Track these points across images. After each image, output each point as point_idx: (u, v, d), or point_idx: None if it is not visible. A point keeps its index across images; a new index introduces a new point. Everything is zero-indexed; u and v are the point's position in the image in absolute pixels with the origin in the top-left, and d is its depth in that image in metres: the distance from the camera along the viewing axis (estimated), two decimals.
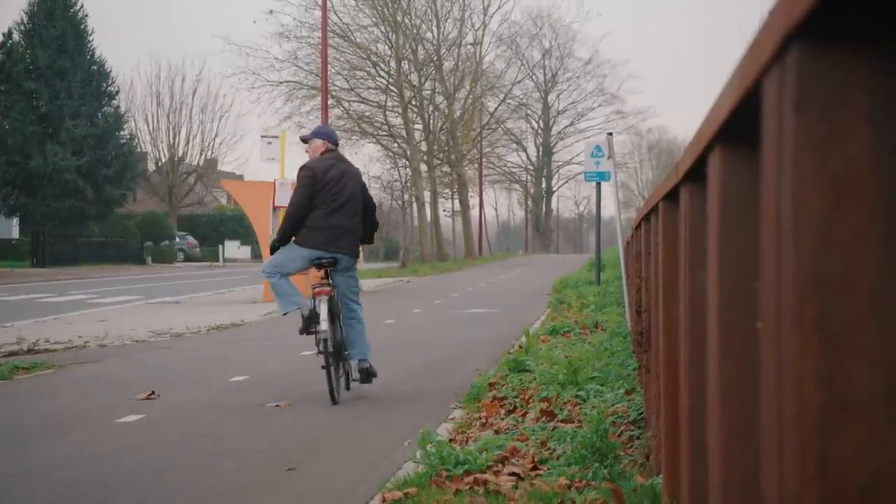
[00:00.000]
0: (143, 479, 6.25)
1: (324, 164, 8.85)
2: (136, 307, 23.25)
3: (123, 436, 7.69)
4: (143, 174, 64.62)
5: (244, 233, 65.99)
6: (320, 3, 40.17)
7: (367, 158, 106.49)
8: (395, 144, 57.63)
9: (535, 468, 5.66)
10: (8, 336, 15.47)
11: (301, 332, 9.03)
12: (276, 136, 23.99)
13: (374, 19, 53.12)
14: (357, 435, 7.64)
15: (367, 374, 9.12)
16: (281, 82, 51.12)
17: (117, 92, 59.76)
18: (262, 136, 24.07)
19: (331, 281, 9.01)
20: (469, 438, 6.89)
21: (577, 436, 6.05)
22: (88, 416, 8.55)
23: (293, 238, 8.95)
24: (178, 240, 67.18)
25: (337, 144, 9.26)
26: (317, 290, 8.83)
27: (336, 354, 8.89)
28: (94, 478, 6.30)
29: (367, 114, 55.41)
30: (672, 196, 3.63)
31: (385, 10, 52.42)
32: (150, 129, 69.09)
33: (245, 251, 67.60)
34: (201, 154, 71.51)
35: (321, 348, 8.73)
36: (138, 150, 63.76)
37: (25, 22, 55.39)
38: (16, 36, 53.45)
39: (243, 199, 28.02)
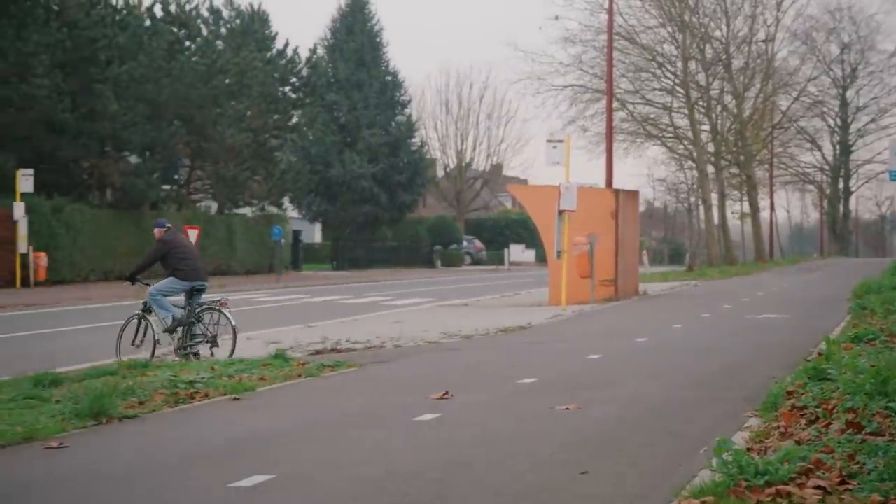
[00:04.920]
0: (439, 477, 6.44)
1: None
2: (427, 309, 24.07)
3: (420, 434, 7.97)
4: (432, 180, 66.89)
5: (529, 236, 66.81)
6: (606, 5, 40.06)
7: (651, 161, 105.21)
8: (681, 146, 56.44)
9: (843, 482, 5.36)
10: (314, 335, 16.46)
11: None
12: (561, 140, 24.13)
13: (660, 20, 52.35)
14: (647, 440, 7.54)
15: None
16: (565, 86, 51.41)
17: (409, 101, 62.32)
18: (547, 141, 24.27)
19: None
20: (768, 448, 6.63)
21: (890, 450, 5.68)
22: (388, 413, 8.93)
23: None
24: (465, 243, 68.98)
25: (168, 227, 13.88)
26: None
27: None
28: (395, 474, 6.56)
29: (651, 116, 54.65)
30: None
31: (672, 9, 51.52)
32: (439, 135, 71.44)
33: (530, 255, 68.44)
34: (487, 159, 73.15)
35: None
36: (428, 156, 66.08)
37: (328, 37, 58.92)
38: (320, 51, 56.93)
39: (528, 203, 28.41)
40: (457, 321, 19.41)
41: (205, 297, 13.52)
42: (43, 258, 31.94)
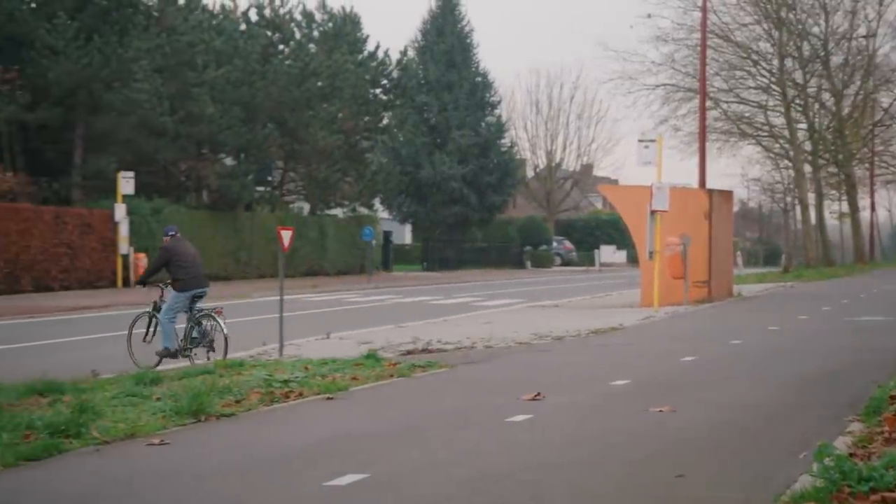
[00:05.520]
0: (533, 478, 6.42)
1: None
2: (517, 310, 24.02)
3: (513, 434, 7.96)
4: (522, 180, 66.69)
5: (619, 237, 66.22)
6: (700, 3, 39.50)
7: (745, 160, 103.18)
8: (777, 145, 55.31)
9: None
10: (405, 336, 16.56)
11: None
12: (653, 140, 23.86)
13: (755, 17, 51.38)
14: (744, 443, 7.41)
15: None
16: (657, 86, 50.81)
17: (499, 102, 62.25)
18: (639, 140, 24.01)
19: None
20: (871, 454, 6.46)
21: None
22: (480, 414, 8.93)
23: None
24: (555, 244, 68.66)
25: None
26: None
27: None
28: (488, 475, 6.56)
29: (746, 114, 53.68)
30: None
31: (768, 6, 50.52)
32: (529, 136, 71.23)
33: (621, 255, 67.81)
34: (577, 159, 72.70)
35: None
36: (518, 157, 65.93)
37: (419, 39, 59.25)
38: (410, 53, 57.25)
39: (620, 203, 28.17)
40: (548, 322, 19.33)
41: (222, 303, 13.82)
42: (143, 259, 32.71)
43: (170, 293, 13.78)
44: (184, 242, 14.19)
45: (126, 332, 14.05)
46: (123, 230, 32.01)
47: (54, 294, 28.40)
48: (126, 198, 32.19)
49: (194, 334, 13.60)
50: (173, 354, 13.52)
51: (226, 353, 13.33)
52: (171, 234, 14.25)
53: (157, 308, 13.94)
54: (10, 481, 6.48)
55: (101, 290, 30.66)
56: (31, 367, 12.35)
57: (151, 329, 13.91)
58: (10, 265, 28.34)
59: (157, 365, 13.18)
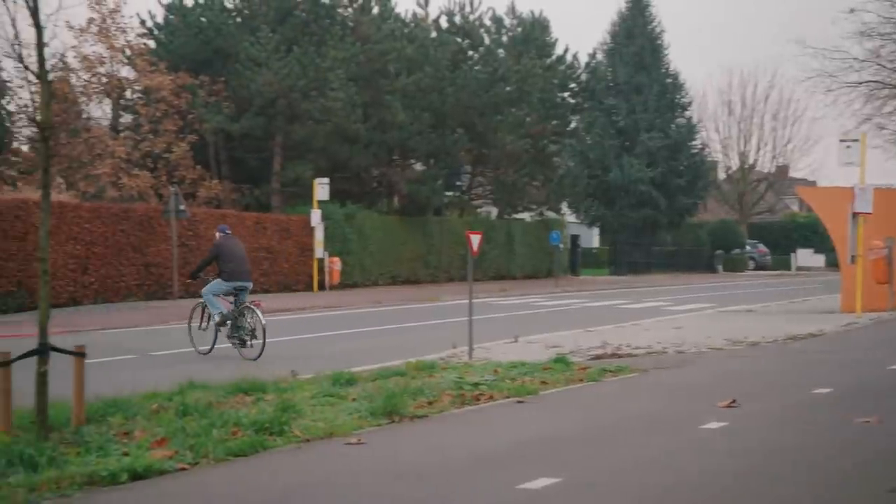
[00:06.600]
0: (730, 487, 6.27)
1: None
2: (709, 315, 23.47)
3: (707, 442, 7.79)
4: (713, 183, 65.10)
5: (817, 240, 63.71)
6: None
7: None
8: None
9: None
10: (593, 340, 16.46)
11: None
12: (856, 140, 22.81)
13: None
14: None
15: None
16: (860, 83, 48.52)
17: (690, 103, 60.99)
18: (840, 140, 23.01)
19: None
20: None
21: None
22: (672, 420, 8.79)
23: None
24: (748, 248, 66.70)
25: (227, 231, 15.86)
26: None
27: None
28: (683, 482, 6.44)
29: None
30: None
31: None
32: (721, 137, 69.45)
33: (818, 259, 65.23)
34: (772, 161, 70.37)
35: None
36: (709, 159, 64.40)
37: (608, 42, 58.84)
38: (599, 55, 56.89)
39: (819, 205, 27.08)
40: (741, 327, 18.81)
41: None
42: (337, 262, 33.74)
43: (214, 281, 15.40)
44: (233, 240, 15.71)
45: (187, 324, 15.67)
46: (319, 235, 33.12)
47: (256, 297, 29.59)
48: (321, 203, 33.28)
49: (238, 324, 14.92)
50: (227, 317, 15.02)
51: (263, 343, 14.49)
52: (224, 231, 15.80)
53: None
54: (222, 475, 6.82)
55: (297, 293, 31.80)
56: (228, 366, 12.97)
57: (205, 318, 15.41)
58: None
59: (211, 349, 15.01)
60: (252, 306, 14.86)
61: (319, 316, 23.66)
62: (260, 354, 14.37)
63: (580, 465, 6.97)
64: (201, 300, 15.53)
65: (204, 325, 15.40)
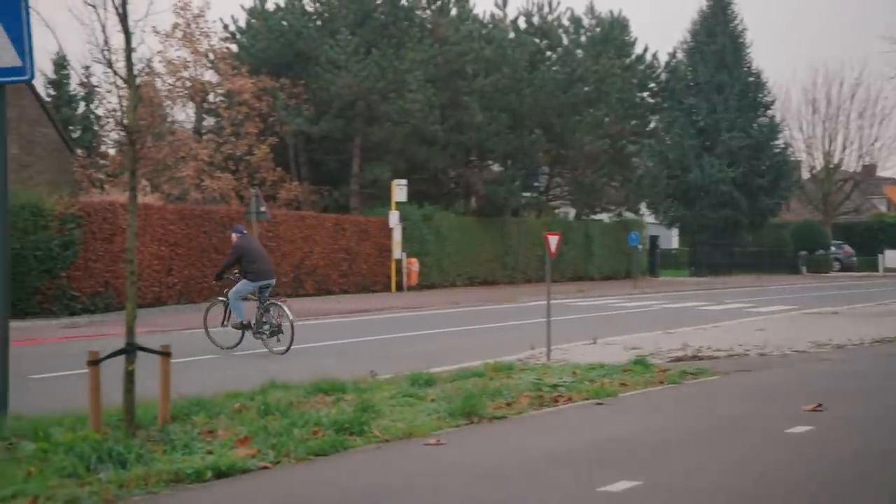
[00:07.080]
0: (817, 493, 6.15)
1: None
2: (792, 317, 23.04)
3: (792, 446, 7.65)
4: (796, 183, 63.86)
5: None
6: None
7: None
8: None
9: None
10: (673, 342, 16.27)
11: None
12: None
13: None
14: None
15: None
16: None
17: (773, 102, 59.91)
18: None
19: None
20: None
21: None
22: (756, 423, 8.65)
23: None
24: (833, 249, 65.32)
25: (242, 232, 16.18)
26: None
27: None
28: (767, 487, 6.33)
29: None
30: None
31: None
32: (805, 136, 68.08)
33: None
34: (858, 160, 68.76)
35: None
36: (792, 158, 63.20)
37: (688, 41, 58.12)
38: (679, 55, 56.27)
39: None
40: (827, 330, 18.43)
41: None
42: (415, 263, 33.88)
43: (240, 281, 15.66)
44: (251, 240, 16.17)
45: (203, 320, 16.13)
46: (397, 236, 33.29)
47: (335, 297, 29.91)
48: (399, 205, 33.44)
49: (264, 320, 15.26)
50: (247, 326, 15.37)
51: (292, 337, 14.84)
52: (241, 232, 16.08)
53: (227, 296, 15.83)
54: (304, 475, 6.89)
55: (375, 293, 32.01)
56: (309, 366, 13.09)
57: (226, 315, 15.73)
58: (296, 269, 30.13)
59: (238, 343, 15.35)
60: (278, 302, 15.26)
61: (397, 317, 23.78)
62: (288, 349, 14.80)
63: (661, 468, 6.90)
64: (219, 300, 16.02)
65: (226, 321, 15.78)
